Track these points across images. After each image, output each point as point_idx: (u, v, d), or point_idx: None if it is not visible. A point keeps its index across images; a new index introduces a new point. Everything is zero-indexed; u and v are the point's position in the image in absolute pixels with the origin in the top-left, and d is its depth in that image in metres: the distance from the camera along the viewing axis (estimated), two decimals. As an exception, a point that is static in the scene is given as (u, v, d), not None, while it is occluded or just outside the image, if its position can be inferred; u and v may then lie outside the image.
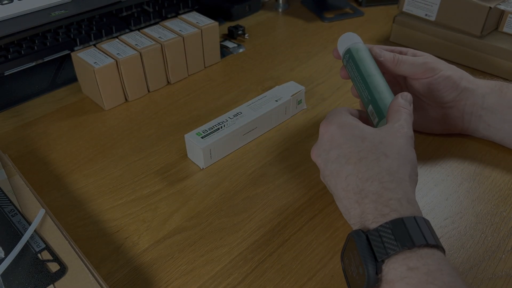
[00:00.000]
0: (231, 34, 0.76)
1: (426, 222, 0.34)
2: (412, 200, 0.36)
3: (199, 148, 0.49)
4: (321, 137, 0.42)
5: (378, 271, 0.32)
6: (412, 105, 0.43)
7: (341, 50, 0.51)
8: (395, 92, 0.52)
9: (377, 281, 0.32)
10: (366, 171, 0.37)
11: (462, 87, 0.48)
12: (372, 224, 0.34)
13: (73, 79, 0.65)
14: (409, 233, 0.32)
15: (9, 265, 0.37)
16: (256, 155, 0.53)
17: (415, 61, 0.48)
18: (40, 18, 0.63)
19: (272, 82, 0.65)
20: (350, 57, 0.49)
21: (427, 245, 0.32)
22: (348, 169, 0.38)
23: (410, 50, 0.51)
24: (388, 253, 0.32)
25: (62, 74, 0.67)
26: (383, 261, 0.32)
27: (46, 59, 0.68)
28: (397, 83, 0.53)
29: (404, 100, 0.42)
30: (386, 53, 0.49)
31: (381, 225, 0.33)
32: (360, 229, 0.35)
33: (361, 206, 0.36)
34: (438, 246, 0.32)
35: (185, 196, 0.47)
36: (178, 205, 0.46)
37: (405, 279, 0.31)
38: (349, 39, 0.50)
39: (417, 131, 0.54)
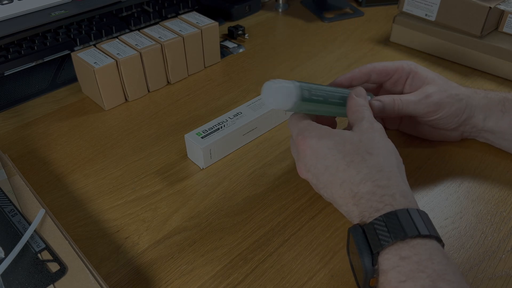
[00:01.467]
0: (231, 34, 0.76)
1: (421, 213, 0.35)
2: (405, 193, 0.36)
3: (199, 148, 0.49)
4: (303, 153, 0.41)
5: (374, 262, 0.33)
6: (366, 98, 0.43)
7: (282, 105, 0.40)
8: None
9: (374, 272, 0.33)
10: (357, 174, 0.37)
11: (464, 118, 0.48)
12: (369, 219, 0.36)
13: (73, 79, 0.65)
14: (402, 224, 0.33)
15: (9, 265, 0.37)
16: (256, 155, 0.53)
17: (418, 104, 0.46)
18: (40, 18, 0.63)
19: (272, 82, 0.65)
20: (304, 103, 0.41)
21: (419, 236, 0.33)
22: (340, 176, 0.38)
23: (409, 78, 0.48)
24: (382, 244, 0.33)
25: (62, 74, 0.67)
26: (378, 253, 0.33)
27: (46, 59, 0.67)
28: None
29: (358, 98, 0.43)
30: (386, 103, 0.46)
31: (375, 219, 0.35)
32: (358, 224, 0.36)
33: (359, 207, 0.37)
34: (431, 236, 0.33)
35: (185, 196, 0.47)
36: (178, 205, 0.46)
37: (397, 268, 0.32)
38: (284, 92, 0.40)
39: (417, 131, 0.54)
